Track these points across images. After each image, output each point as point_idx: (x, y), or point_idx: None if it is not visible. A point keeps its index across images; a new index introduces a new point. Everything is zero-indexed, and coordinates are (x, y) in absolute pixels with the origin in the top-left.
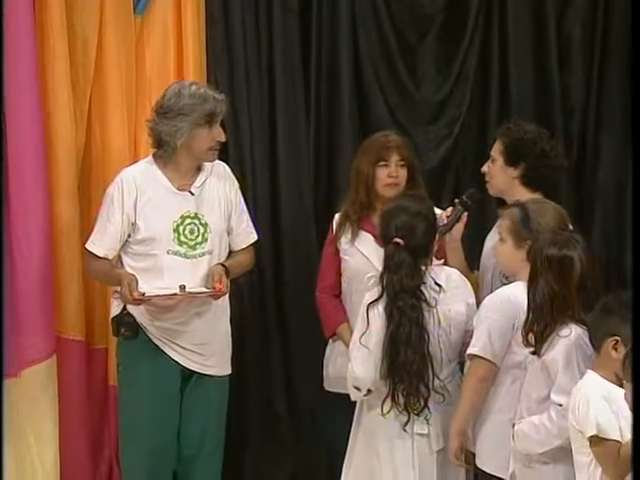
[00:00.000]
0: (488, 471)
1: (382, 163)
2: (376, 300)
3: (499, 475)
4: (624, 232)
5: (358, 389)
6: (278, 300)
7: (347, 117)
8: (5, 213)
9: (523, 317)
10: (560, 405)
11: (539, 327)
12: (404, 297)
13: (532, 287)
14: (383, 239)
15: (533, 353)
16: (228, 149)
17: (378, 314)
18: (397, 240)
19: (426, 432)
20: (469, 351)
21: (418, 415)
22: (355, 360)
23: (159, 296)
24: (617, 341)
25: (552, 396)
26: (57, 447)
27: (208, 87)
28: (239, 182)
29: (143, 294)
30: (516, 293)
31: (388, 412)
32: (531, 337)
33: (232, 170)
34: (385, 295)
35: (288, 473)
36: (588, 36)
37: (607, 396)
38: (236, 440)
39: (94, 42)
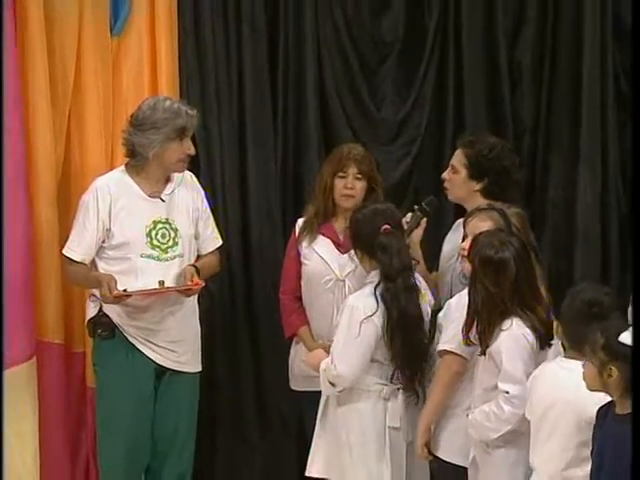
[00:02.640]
0: (444, 458)
1: (340, 174)
2: (378, 284)
3: (453, 462)
4: (572, 244)
5: (333, 385)
6: (248, 304)
7: (313, 135)
8: None
9: None
10: (507, 392)
11: (480, 329)
12: (410, 274)
13: (471, 289)
14: (368, 237)
15: (481, 354)
16: (200, 163)
17: (379, 300)
18: (386, 227)
19: (398, 425)
20: (444, 347)
21: (411, 394)
22: (340, 358)
23: (140, 291)
24: None
25: (499, 384)
26: (37, 447)
27: (181, 102)
28: (210, 194)
29: (125, 290)
30: None
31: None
32: (475, 337)
33: (204, 183)
34: (386, 279)
35: (258, 472)
36: (537, 63)
37: None
38: (206, 440)
39: (73, 61)
